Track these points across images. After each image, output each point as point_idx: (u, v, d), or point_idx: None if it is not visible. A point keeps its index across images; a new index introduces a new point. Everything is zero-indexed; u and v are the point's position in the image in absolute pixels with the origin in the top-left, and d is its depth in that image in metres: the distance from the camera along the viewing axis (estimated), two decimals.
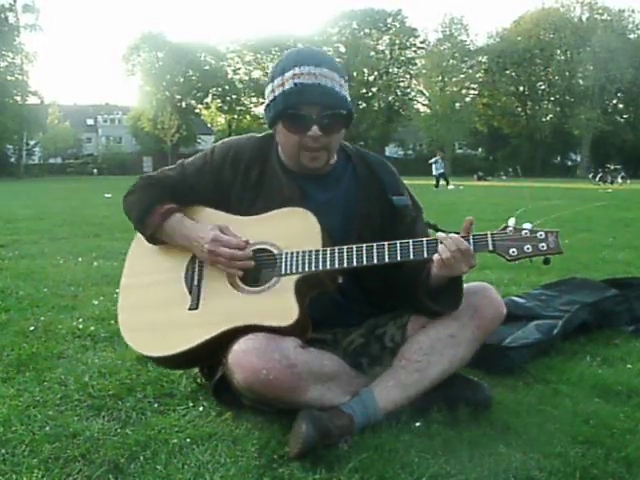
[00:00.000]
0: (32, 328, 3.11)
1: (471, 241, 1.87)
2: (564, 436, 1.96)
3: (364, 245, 1.93)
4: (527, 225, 1.87)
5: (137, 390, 2.32)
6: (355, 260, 1.93)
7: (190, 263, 2.11)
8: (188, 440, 1.91)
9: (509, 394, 2.32)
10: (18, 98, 50.08)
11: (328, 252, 1.95)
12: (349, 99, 2.08)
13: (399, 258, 1.91)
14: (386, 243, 1.92)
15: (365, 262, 1.92)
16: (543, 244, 1.84)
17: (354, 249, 1.93)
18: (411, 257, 1.91)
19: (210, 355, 2.02)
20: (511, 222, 1.88)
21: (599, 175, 35.71)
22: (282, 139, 2.09)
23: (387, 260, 1.91)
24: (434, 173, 28.30)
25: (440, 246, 1.87)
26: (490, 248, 1.87)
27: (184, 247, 2.10)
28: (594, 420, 2.07)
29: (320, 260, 1.95)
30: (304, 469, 1.74)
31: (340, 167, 2.20)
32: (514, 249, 1.85)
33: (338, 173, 2.19)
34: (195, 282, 2.07)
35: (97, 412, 2.14)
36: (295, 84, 1.97)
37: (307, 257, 1.96)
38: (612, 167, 37.91)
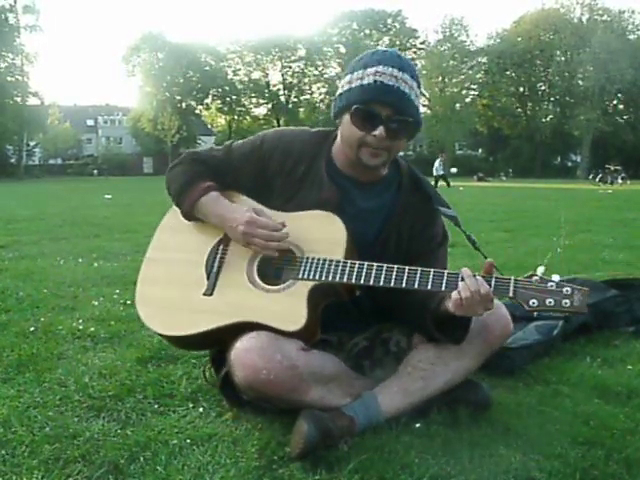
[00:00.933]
0: (32, 329, 3.11)
1: (493, 284, 1.80)
2: (564, 437, 1.96)
3: (384, 265, 1.89)
4: (555, 277, 1.76)
5: (137, 391, 2.32)
6: (373, 279, 1.89)
7: (214, 248, 2.12)
8: (188, 441, 1.91)
9: (509, 395, 2.32)
10: (18, 99, 50.11)
11: (348, 265, 1.92)
12: (420, 112, 2.05)
13: (416, 286, 1.86)
14: (407, 268, 1.88)
15: (382, 283, 1.88)
16: (567, 301, 1.72)
17: (374, 267, 1.90)
18: (429, 287, 1.85)
19: (215, 343, 2.04)
20: (540, 270, 1.77)
21: (599, 176, 35.72)
22: (345, 132, 2.04)
23: (404, 285, 1.87)
24: (439, 173, 28.43)
25: (461, 284, 1.80)
26: (510, 295, 1.78)
27: (217, 226, 2.10)
28: (594, 421, 2.07)
29: (338, 272, 1.92)
30: (304, 470, 1.74)
31: (389, 179, 2.17)
32: (535, 300, 1.74)
33: (386, 184, 2.16)
34: (214, 269, 2.08)
35: (97, 413, 2.14)
36: (375, 81, 1.95)
37: (326, 266, 1.94)
38: (612, 168, 37.88)
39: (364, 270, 1.91)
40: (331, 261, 1.94)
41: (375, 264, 1.91)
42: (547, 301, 1.74)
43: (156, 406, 2.20)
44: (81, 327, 3.16)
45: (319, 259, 1.95)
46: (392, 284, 1.88)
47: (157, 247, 2.25)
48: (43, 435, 1.94)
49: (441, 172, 28.55)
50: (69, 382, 2.39)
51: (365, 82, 1.96)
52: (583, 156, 59.50)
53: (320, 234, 2.00)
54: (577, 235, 7.45)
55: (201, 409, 2.17)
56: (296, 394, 1.89)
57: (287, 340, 1.90)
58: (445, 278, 1.85)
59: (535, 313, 1.80)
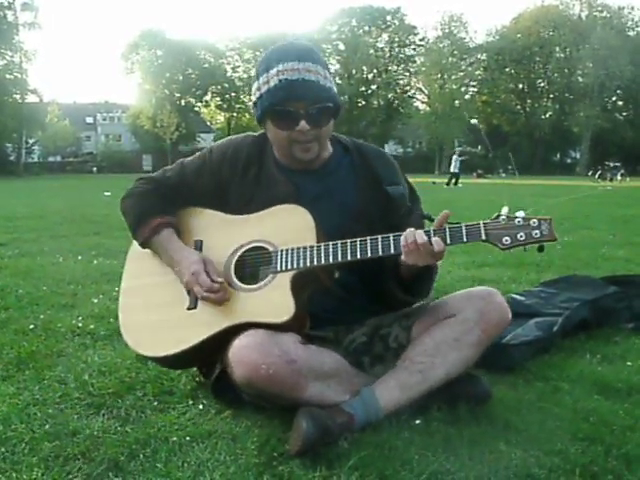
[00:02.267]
0: (32, 326, 3.11)
1: (464, 231, 1.86)
2: (564, 433, 1.96)
3: (358, 240, 1.93)
4: (520, 213, 1.85)
5: (137, 388, 2.32)
6: (349, 254, 1.93)
7: None
8: (188, 438, 1.91)
9: (509, 391, 2.32)
10: (17, 96, 50.08)
11: (322, 247, 1.95)
12: (335, 89, 2.09)
13: (392, 251, 1.90)
14: (379, 237, 1.92)
15: (360, 256, 1.92)
16: (537, 231, 1.82)
17: (348, 244, 1.94)
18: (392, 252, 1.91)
19: (210, 353, 2.03)
20: (504, 210, 1.86)
21: (598, 172, 35.74)
22: (272, 135, 2.10)
23: (381, 253, 1.91)
24: (456, 171, 28.56)
25: (401, 236, 1.88)
26: (483, 237, 1.85)
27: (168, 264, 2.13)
28: (594, 417, 2.07)
29: (315, 255, 1.95)
30: (304, 467, 1.74)
31: (336, 159, 2.21)
32: (507, 237, 1.83)
33: (334, 165, 2.20)
34: None
35: (97, 410, 2.13)
36: (280, 80, 1.98)
37: (302, 253, 1.96)
38: (611, 164, 37.96)
39: (338, 248, 1.94)
40: (305, 247, 1.96)
41: (348, 240, 1.94)
42: (518, 236, 1.82)
43: (156, 403, 2.20)
44: (80, 324, 3.16)
45: (293, 248, 1.98)
46: (370, 254, 1.91)
47: (130, 276, 2.28)
48: (43, 432, 1.94)
49: (457, 170, 28.60)
50: (69, 379, 2.39)
51: (271, 84, 2.00)
52: (582, 153, 59.54)
53: (288, 226, 2.03)
54: (577, 232, 7.45)
55: (201, 406, 2.17)
56: (295, 390, 1.89)
57: (284, 335, 1.90)
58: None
59: (510, 250, 1.86)
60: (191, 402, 2.20)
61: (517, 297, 3.27)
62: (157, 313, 2.10)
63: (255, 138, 2.24)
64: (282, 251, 1.99)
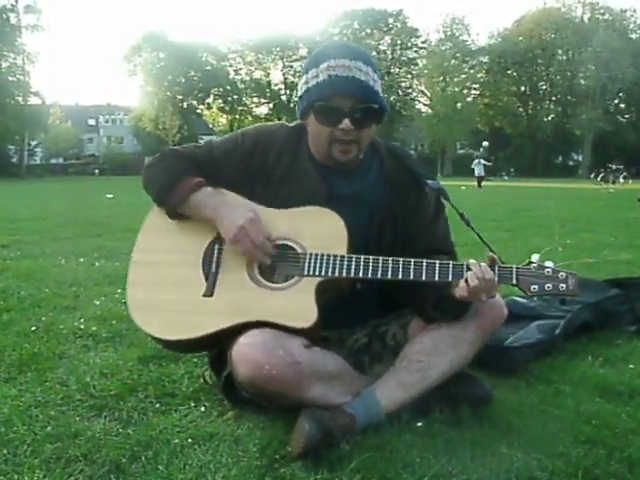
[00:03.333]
0: (34, 328, 3.11)
1: (496, 272, 1.90)
2: (566, 436, 1.95)
3: (390, 259, 1.92)
4: (549, 263, 1.92)
5: (139, 390, 2.32)
6: (380, 273, 1.92)
7: (209, 247, 2.06)
8: (190, 440, 1.91)
9: (511, 394, 2.32)
10: (20, 98, 50.16)
11: (354, 260, 1.94)
12: (382, 95, 2.06)
13: (424, 278, 1.91)
14: (412, 260, 1.91)
15: (390, 276, 1.92)
16: (563, 285, 1.89)
17: (380, 261, 1.93)
18: (436, 279, 1.91)
19: (218, 344, 2.02)
20: (535, 258, 1.93)
21: (601, 175, 35.71)
22: (313, 131, 2.07)
23: (412, 278, 1.91)
24: (482, 174, 28.74)
25: (469, 273, 1.88)
26: (514, 282, 1.91)
27: (207, 220, 2.04)
28: (596, 420, 2.07)
29: (345, 267, 1.93)
30: (306, 469, 1.74)
31: (368, 160, 2.18)
32: (536, 285, 1.90)
33: (365, 166, 2.18)
34: (213, 269, 2.03)
35: (99, 412, 2.13)
36: (329, 76, 1.96)
37: (332, 262, 1.94)
38: (614, 167, 37.92)
39: (370, 264, 1.93)
40: (335, 256, 1.95)
41: (381, 258, 1.93)
42: (546, 286, 1.90)
43: (158, 405, 2.20)
44: (82, 326, 3.16)
45: (323, 255, 1.95)
46: (400, 277, 1.91)
47: (144, 249, 2.15)
48: (45, 434, 1.94)
49: (483, 173, 28.74)
50: (70, 381, 2.39)
51: (320, 79, 1.98)
52: (585, 155, 59.48)
53: (320, 230, 2.00)
54: (579, 234, 7.44)
55: (203, 408, 2.17)
56: (297, 391, 1.89)
57: (290, 337, 1.90)
58: (451, 268, 1.92)
59: (535, 297, 1.96)
60: (193, 404, 2.20)
61: (519, 299, 3.26)
62: (170, 294, 2.03)
63: (290, 129, 2.20)
64: (312, 255, 1.97)
